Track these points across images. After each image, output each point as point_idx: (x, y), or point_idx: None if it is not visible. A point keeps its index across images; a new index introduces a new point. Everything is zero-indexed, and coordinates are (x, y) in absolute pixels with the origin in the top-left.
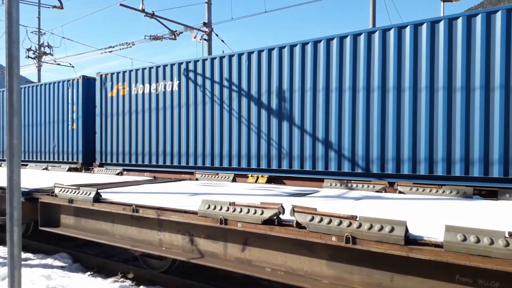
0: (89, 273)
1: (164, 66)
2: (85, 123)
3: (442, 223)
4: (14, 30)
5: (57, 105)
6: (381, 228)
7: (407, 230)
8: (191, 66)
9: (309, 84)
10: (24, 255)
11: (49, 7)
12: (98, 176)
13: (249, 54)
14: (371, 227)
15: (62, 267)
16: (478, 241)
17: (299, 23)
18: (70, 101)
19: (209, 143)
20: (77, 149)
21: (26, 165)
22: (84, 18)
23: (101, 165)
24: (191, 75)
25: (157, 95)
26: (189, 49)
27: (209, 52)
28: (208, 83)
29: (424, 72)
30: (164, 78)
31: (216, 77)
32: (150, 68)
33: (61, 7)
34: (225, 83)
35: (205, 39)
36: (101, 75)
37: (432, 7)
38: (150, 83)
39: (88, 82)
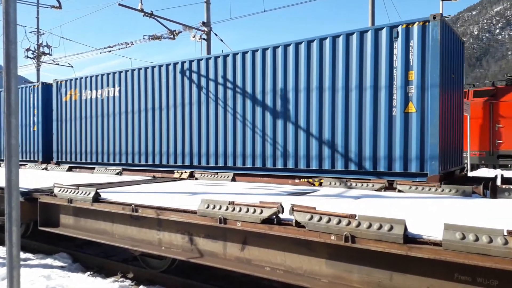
0: (89, 273)
1: (108, 74)
2: (44, 125)
3: (441, 222)
4: (11, 30)
5: (20, 109)
6: (380, 227)
7: (406, 228)
8: (135, 74)
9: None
10: (23, 255)
11: (47, 7)
12: (97, 176)
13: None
14: (370, 225)
15: (61, 267)
16: (477, 239)
17: (299, 22)
18: (31, 105)
19: (164, 142)
20: (37, 148)
21: None
22: (83, 18)
23: (57, 163)
24: (135, 80)
25: (102, 100)
26: (188, 48)
27: (208, 52)
28: (150, 92)
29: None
30: (108, 85)
31: (155, 86)
32: (97, 76)
33: (60, 7)
34: (169, 91)
35: (204, 39)
36: (57, 82)
37: (432, 6)
38: (96, 89)
39: (47, 88)
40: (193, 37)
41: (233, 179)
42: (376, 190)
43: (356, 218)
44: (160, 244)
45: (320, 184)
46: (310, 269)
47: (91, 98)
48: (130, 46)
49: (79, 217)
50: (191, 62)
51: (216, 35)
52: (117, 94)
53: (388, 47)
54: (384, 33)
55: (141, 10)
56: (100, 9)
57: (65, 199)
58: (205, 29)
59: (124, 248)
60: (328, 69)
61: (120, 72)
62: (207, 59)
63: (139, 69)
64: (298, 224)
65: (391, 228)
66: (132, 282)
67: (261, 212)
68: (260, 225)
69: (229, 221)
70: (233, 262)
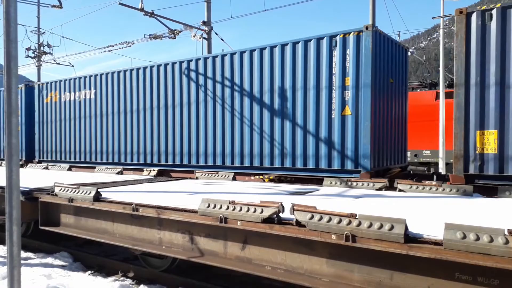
0: (89, 272)
1: (84, 77)
2: (27, 126)
3: (441, 221)
4: (12, 29)
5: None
6: (381, 226)
7: (406, 228)
8: (109, 77)
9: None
10: (24, 254)
11: (48, 7)
12: (98, 175)
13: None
14: (370, 225)
15: (62, 266)
16: (478, 239)
17: (299, 21)
18: None
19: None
20: (21, 147)
21: None
22: (84, 17)
23: (39, 161)
24: (109, 84)
25: (80, 102)
26: (189, 48)
27: (209, 51)
28: (128, 94)
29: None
30: (85, 88)
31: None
32: (75, 78)
33: (60, 6)
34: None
35: (204, 38)
36: (39, 84)
37: (432, 5)
38: (74, 92)
39: (30, 90)
40: (194, 36)
41: (234, 179)
42: (377, 190)
43: (357, 217)
44: (161, 243)
45: (270, 181)
46: (310, 268)
47: (69, 100)
48: (130, 46)
49: (79, 216)
50: (189, 61)
51: (216, 34)
52: (93, 96)
53: (328, 55)
54: (324, 42)
55: (142, 10)
56: (100, 8)
57: (65, 198)
58: (206, 28)
59: (124, 247)
60: (278, 74)
61: (95, 76)
62: (198, 60)
63: (113, 73)
64: (298, 224)
65: (391, 228)
66: (132, 281)
67: (262, 211)
68: (260, 225)
69: (229, 221)
70: (234, 261)
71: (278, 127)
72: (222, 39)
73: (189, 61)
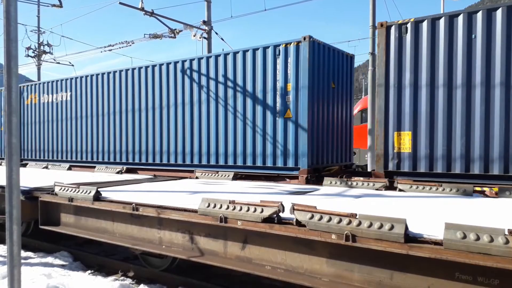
0: (89, 271)
1: (61, 80)
2: None
3: (442, 221)
4: (12, 28)
5: None
6: (381, 226)
7: (407, 228)
8: (83, 80)
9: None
10: (24, 253)
11: (48, 6)
12: (98, 174)
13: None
14: (370, 225)
15: (62, 266)
16: (478, 238)
17: (299, 20)
18: None
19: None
20: (2, 147)
21: None
22: (84, 16)
23: (20, 160)
24: (87, 86)
25: (57, 104)
26: (189, 47)
27: (209, 50)
28: (100, 96)
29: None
30: (61, 90)
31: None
32: (52, 81)
33: (61, 6)
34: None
35: (204, 37)
36: (20, 86)
37: (432, 5)
38: (52, 94)
39: None
40: (194, 35)
41: (234, 178)
42: (377, 189)
43: (357, 217)
44: (161, 243)
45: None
46: (310, 268)
47: (47, 102)
48: (130, 45)
49: (79, 215)
50: (186, 62)
51: (217, 33)
52: (68, 98)
53: (272, 63)
54: (270, 51)
55: (142, 9)
56: (101, 7)
57: (65, 197)
58: (206, 28)
59: (124, 247)
60: (231, 80)
61: (71, 79)
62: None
63: (87, 76)
64: (298, 223)
65: (392, 227)
66: (132, 281)
67: (262, 211)
68: (260, 224)
69: (229, 220)
70: (234, 261)
71: (231, 127)
72: (222, 39)
73: (160, 65)
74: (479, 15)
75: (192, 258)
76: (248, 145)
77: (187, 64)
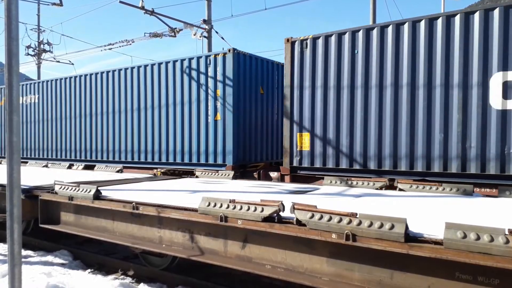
0: (89, 270)
1: (30, 83)
2: None
3: (442, 221)
4: (13, 27)
5: None
6: (381, 226)
7: (407, 227)
8: (53, 84)
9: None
10: (24, 252)
11: (48, 4)
12: (98, 173)
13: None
14: (371, 224)
15: (62, 265)
16: (478, 238)
17: (300, 20)
18: None
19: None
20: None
21: None
22: (84, 15)
23: None
24: (52, 89)
25: (26, 106)
26: (189, 46)
27: (209, 49)
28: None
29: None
30: (30, 93)
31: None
32: (22, 84)
33: (61, 4)
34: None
35: (205, 37)
36: (21, 84)
37: (432, 4)
38: (22, 96)
39: None
40: (194, 34)
41: (234, 177)
42: (377, 189)
43: (357, 216)
44: (161, 242)
45: (163, 174)
46: (311, 267)
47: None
48: (130, 44)
49: (79, 214)
50: (141, 68)
51: (217, 32)
52: (37, 101)
53: (205, 71)
54: (203, 60)
55: (142, 8)
56: (101, 6)
57: (65, 196)
58: (206, 27)
59: (124, 246)
60: (179, 87)
61: (39, 82)
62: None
63: (56, 80)
64: (299, 223)
65: (392, 227)
66: (132, 280)
67: (262, 210)
68: (261, 223)
69: (230, 219)
70: (234, 260)
71: (172, 128)
72: (222, 38)
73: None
74: (360, 33)
75: (192, 257)
76: (186, 144)
77: (142, 71)
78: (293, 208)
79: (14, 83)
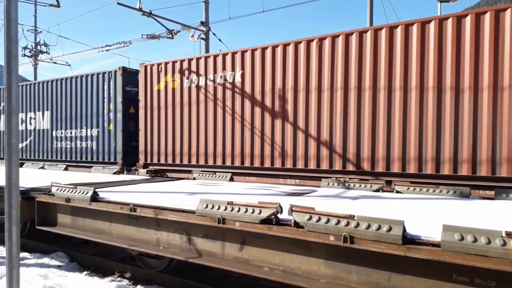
0: (86, 272)
1: None
2: None
3: (439, 223)
4: (12, 28)
5: None
6: (379, 228)
7: (404, 229)
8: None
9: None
10: (20, 254)
11: (45, 6)
12: (95, 175)
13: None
14: (369, 226)
15: (59, 267)
16: (475, 240)
17: (298, 22)
18: None
19: None
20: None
21: None
22: (81, 16)
23: None
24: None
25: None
26: (186, 48)
27: (207, 51)
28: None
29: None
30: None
31: None
32: None
33: (58, 6)
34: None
35: (202, 38)
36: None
37: (430, 7)
38: None
39: None
40: (192, 36)
41: (231, 179)
42: (374, 191)
43: (355, 218)
44: (158, 244)
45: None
46: (308, 269)
47: None
48: (128, 45)
49: (76, 216)
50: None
51: (214, 34)
52: None
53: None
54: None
55: (140, 9)
56: (98, 7)
57: (62, 198)
58: (204, 29)
59: (121, 248)
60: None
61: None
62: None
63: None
64: (297, 225)
65: (389, 229)
66: (129, 282)
67: (260, 212)
68: (259, 225)
69: (227, 221)
70: (232, 262)
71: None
72: (220, 40)
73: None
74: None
75: (189, 259)
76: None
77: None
78: (291, 210)
79: (13, 85)
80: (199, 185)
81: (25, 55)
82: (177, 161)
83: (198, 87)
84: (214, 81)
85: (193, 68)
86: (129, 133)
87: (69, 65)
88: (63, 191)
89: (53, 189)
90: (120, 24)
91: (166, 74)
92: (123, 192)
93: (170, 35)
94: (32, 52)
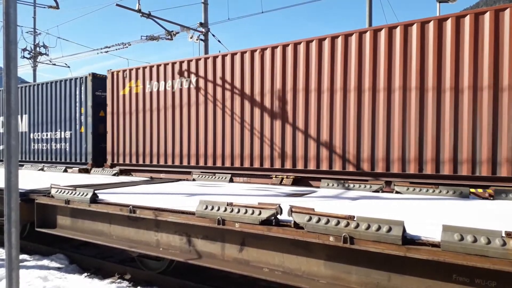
0: (86, 274)
1: None
2: None
3: (439, 223)
4: (12, 30)
5: None
6: (379, 228)
7: (404, 230)
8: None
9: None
10: (20, 256)
11: (44, 7)
12: (95, 176)
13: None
14: (368, 227)
15: (58, 268)
16: (475, 240)
17: (298, 22)
18: None
19: None
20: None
21: None
22: (80, 18)
23: None
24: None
25: None
26: (186, 49)
27: (206, 52)
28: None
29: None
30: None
31: None
32: None
33: (57, 7)
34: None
35: (201, 40)
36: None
37: (428, 7)
38: None
39: None
40: (191, 37)
41: (231, 180)
42: (374, 192)
43: (355, 219)
44: (158, 245)
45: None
46: (308, 270)
47: None
48: (127, 47)
49: (76, 218)
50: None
51: (213, 35)
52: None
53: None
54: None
55: (139, 11)
56: (97, 9)
57: (62, 200)
58: (203, 30)
59: (121, 249)
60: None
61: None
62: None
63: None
64: (296, 225)
65: (389, 229)
66: (129, 283)
67: (260, 213)
68: (258, 226)
69: (227, 222)
70: (231, 263)
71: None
72: (219, 41)
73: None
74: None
75: (189, 260)
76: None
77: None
78: (291, 211)
79: (13, 87)
80: (199, 186)
81: (24, 57)
82: (140, 161)
83: (158, 92)
84: (172, 86)
85: (154, 74)
86: (99, 135)
87: (68, 66)
88: (63, 193)
89: (53, 191)
90: (119, 25)
91: (130, 79)
92: (123, 194)
93: (169, 36)
94: (31, 53)
